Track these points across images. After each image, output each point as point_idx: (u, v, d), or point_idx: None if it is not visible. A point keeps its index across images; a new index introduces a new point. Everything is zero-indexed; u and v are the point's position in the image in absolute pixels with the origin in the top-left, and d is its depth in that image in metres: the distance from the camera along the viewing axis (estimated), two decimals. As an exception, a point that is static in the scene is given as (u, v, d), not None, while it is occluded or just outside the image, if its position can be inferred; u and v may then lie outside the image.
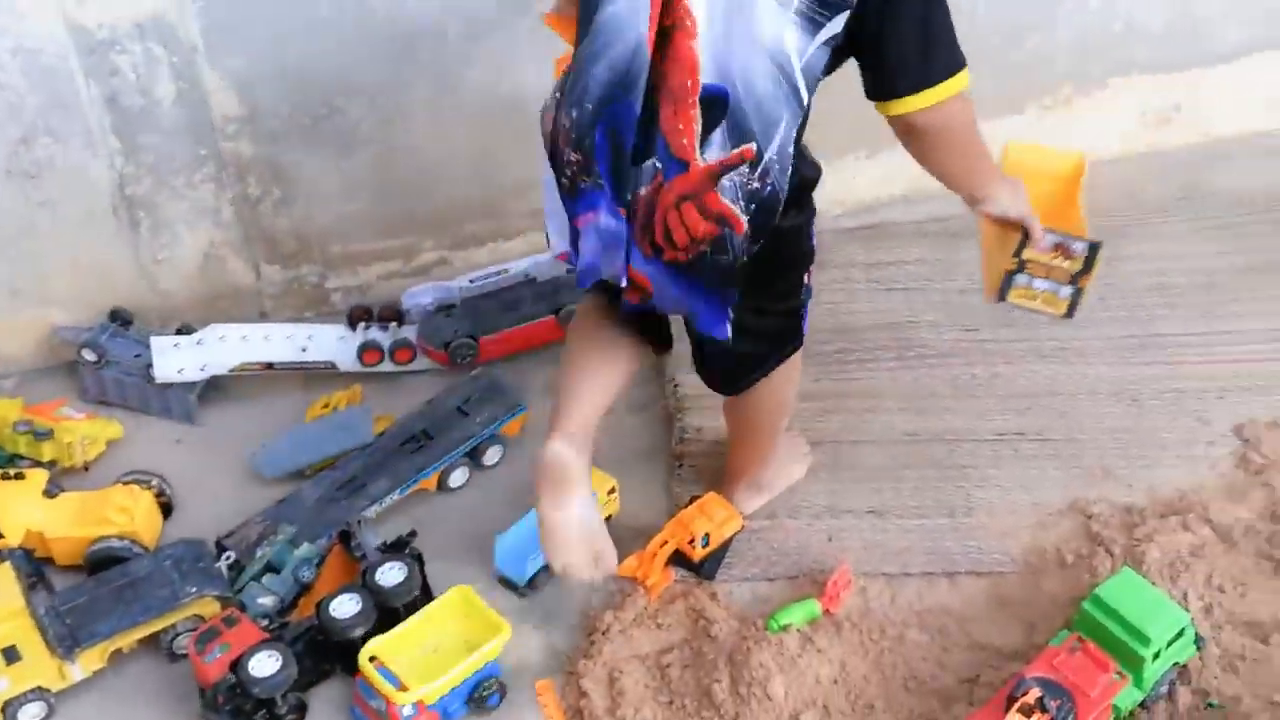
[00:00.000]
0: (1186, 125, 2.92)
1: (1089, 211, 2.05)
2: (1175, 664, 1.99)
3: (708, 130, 1.72)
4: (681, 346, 2.11)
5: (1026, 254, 1.98)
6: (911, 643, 2.12)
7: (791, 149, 1.74)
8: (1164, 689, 1.99)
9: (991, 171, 1.95)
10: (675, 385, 2.51)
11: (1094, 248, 1.97)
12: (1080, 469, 2.34)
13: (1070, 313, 2.01)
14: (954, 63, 1.80)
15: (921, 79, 1.79)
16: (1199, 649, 2.02)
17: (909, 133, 1.86)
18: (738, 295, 1.84)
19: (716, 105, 1.71)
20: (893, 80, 1.80)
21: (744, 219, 1.75)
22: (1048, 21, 2.71)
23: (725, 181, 1.73)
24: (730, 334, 1.87)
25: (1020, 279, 1.99)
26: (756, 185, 1.74)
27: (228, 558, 2.23)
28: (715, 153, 1.72)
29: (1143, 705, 1.97)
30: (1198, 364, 2.49)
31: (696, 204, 1.75)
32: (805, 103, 1.74)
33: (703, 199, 1.75)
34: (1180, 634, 1.96)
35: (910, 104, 1.81)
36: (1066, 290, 1.99)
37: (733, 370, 2.07)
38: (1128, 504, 2.27)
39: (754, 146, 1.72)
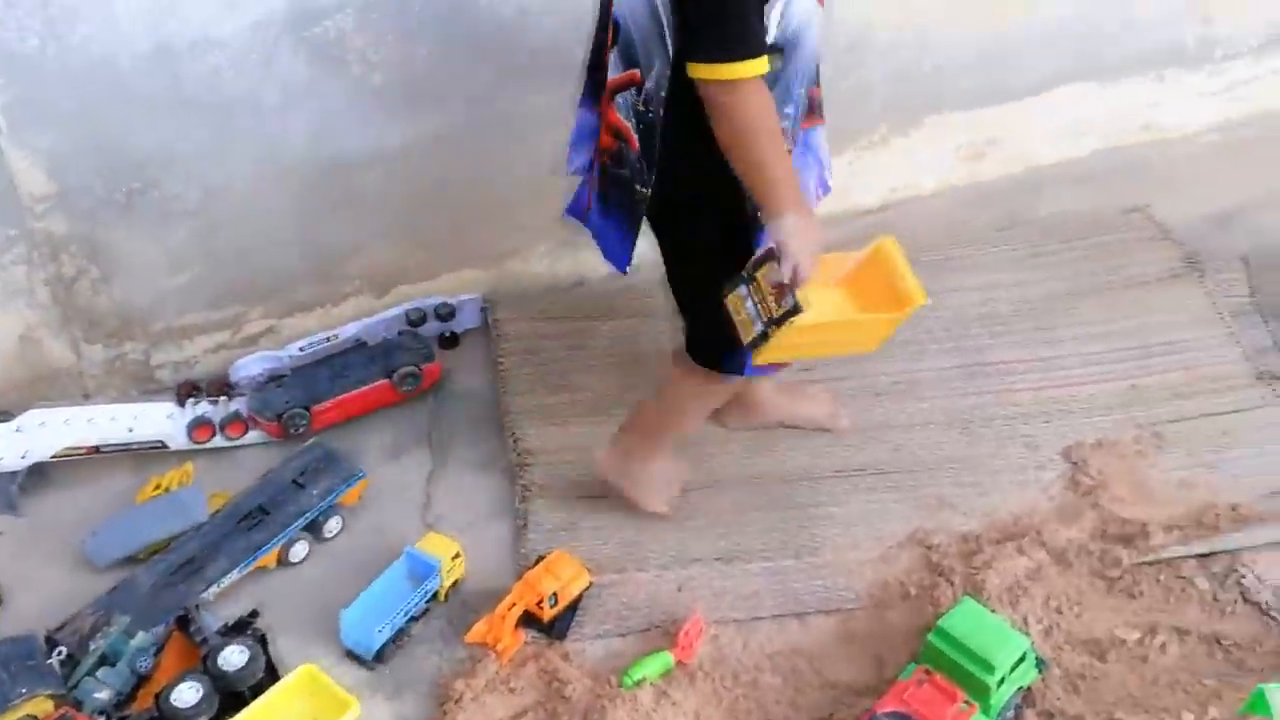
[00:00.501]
0: (1002, 157, 3.01)
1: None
2: (1020, 688, 2.04)
3: (611, 51, 1.94)
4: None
5: (759, 273, 1.90)
6: (765, 686, 2.12)
7: (665, 91, 1.88)
8: (1010, 714, 2.03)
9: (784, 197, 1.89)
10: (516, 440, 2.49)
11: (791, 311, 1.86)
12: (919, 500, 2.38)
13: (753, 344, 1.90)
14: (733, 48, 1.81)
15: (702, 49, 1.83)
16: (1041, 672, 2.07)
17: (707, 107, 1.87)
18: (636, 231, 2.01)
19: (615, 30, 1.93)
20: (687, 40, 1.85)
21: (635, 136, 1.91)
22: (860, 64, 2.77)
23: (619, 99, 1.94)
24: (626, 268, 2.05)
25: (742, 289, 1.91)
26: (642, 109, 1.91)
27: (59, 652, 2.14)
28: (612, 72, 1.93)
29: (992, 731, 2.01)
30: (1025, 390, 2.56)
31: (605, 119, 1.96)
32: (669, 50, 1.85)
33: (606, 113, 1.96)
34: (1022, 659, 2.00)
35: (695, 70, 1.84)
36: (759, 326, 1.89)
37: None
38: (965, 532, 2.32)
39: (638, 73, 1.90)
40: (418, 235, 2.68)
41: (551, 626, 2.18)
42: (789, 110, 1.98)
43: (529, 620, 2.18)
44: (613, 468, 2.34)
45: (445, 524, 2.38)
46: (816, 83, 2.07)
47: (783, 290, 1.87)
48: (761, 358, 1.94)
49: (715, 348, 2.10)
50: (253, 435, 2.52)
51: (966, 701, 1.97)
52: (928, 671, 2.00)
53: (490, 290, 2.76)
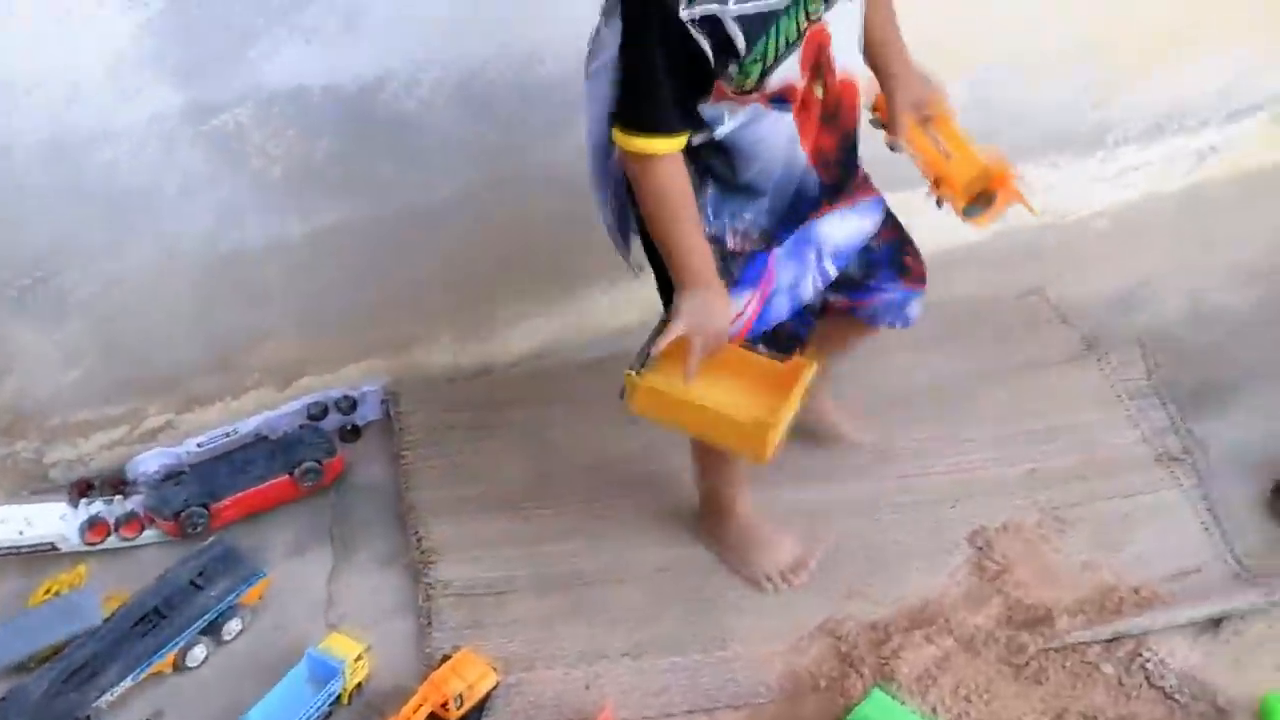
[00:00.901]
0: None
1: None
2: (931, 781, 2.03)
3: None
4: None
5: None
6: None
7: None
8: (922, 807, 2.02)
9: (684, 271, 1.94)
10: (419, 536, 2.45)
11: (633, 366, 1.95)
12: (828, 589, 2.38)
13: (621, 393, 1.96)
14: (641, 121, 1.88)
15: (619, 115, 1.91)
16: (952, 763, 2.07)
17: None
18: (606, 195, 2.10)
19: None
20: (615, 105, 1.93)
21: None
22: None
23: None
24: (604, 221, 2.15)
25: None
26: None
27: (-57, 769, 2.06)
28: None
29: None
30: (933, 474, 2.56)
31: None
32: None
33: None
34: (934, 751, 2.00)
35: (614, 135, 1.92)
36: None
37: None
38: (874, 620, 2.32)
39: None
40: (320, 327, 2.64)
41: (458, 727, 2.13)
42: (750, 215, 2.03)
43: (435, 721, 2.14)
44: (705, 536, 2.40)
45: (349, 622, 2.33)
46: (835, 169, 2.08)
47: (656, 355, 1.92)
48: (634, 407, 1.96)
49: None
50: (149, 534, 2.46)
51: (878, 795, 1.96)
52: (839, 766, 1.99)
53: (395, 380, 2.73)
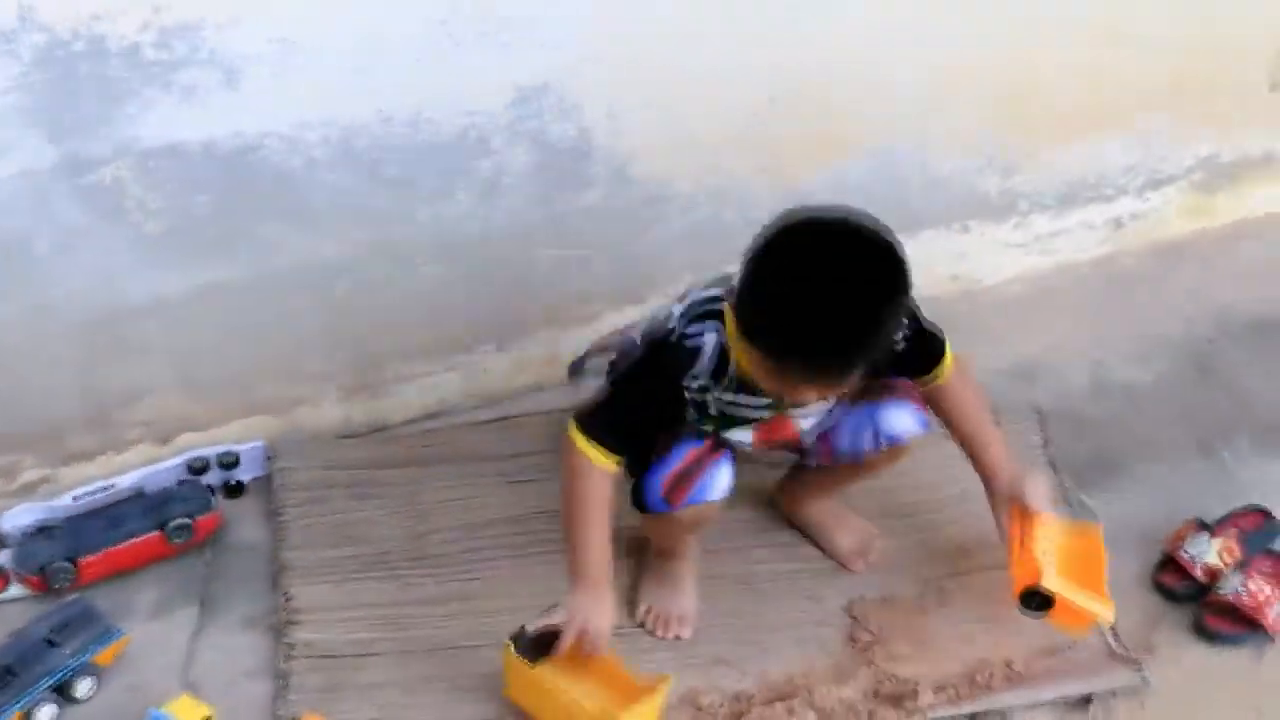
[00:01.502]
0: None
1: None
2: None
3: None
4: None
5: None
6: None
7: None
8: None
9: (574, 573, 2.17)
10: (287, 598, 2.42)
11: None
12: (696, 659, 2.34)
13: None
14: (593, 424, 2.14)
15: (583, 405, 2.21)
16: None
17: None
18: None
19: None
20: None
21: None
22: (663, 217, 2.79)
23: None
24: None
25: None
26: None
27: None
28: None
29: None
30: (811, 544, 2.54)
31: None
32: None
33: None
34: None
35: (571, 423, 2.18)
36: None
37: None
38: (738, 691, 2.28)
39: None
40: (203, 383, 2.63)
41: (300, 796, 2.10)
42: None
43: (277, 788, 2.10)
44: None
45: (205, 684, 2.30)
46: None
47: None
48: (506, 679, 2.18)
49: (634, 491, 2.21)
50: (14, 590, 2.43)
51: None
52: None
53: (281, 437, 2.71)
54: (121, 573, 2.47)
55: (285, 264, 2.54)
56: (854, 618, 2.40)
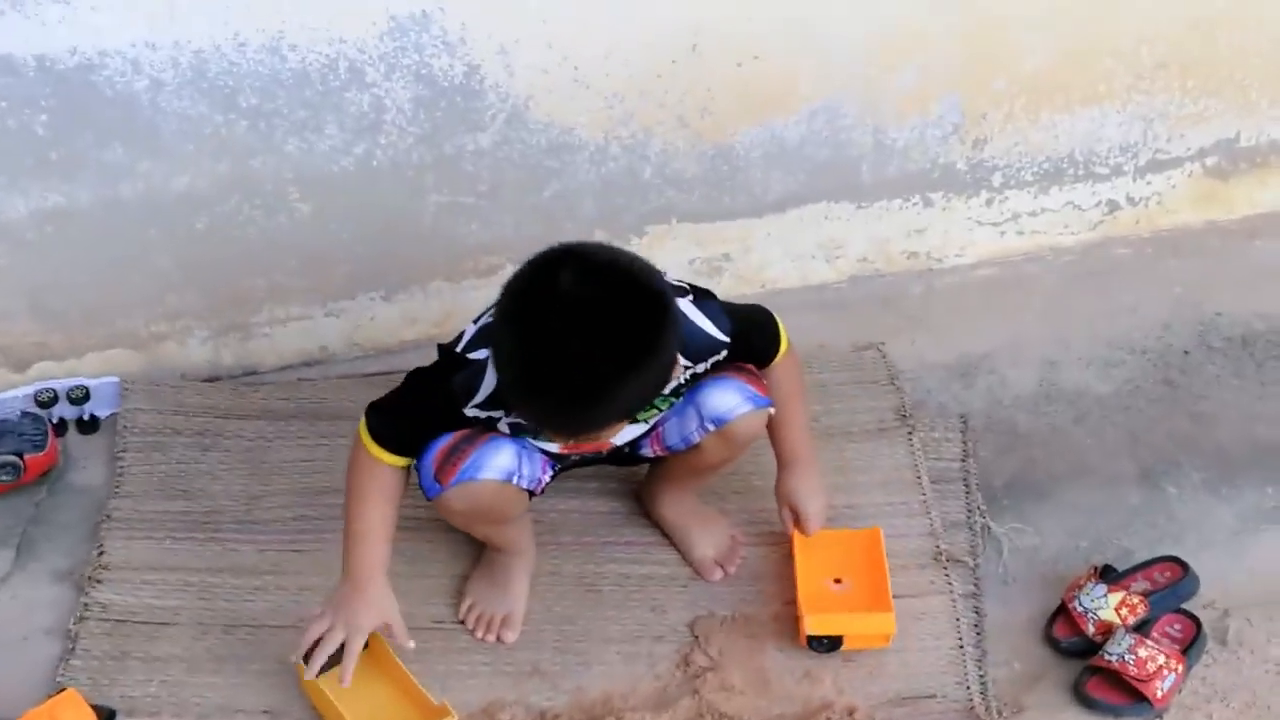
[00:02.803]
0: (739, 275, 2.76)
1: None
2: None
3: None
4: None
5: None
6: None
7: None
8: None
9: (345, 563, 2.02)
10: (100, 551, 2.28)
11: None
12: (512, 665, 2.15)
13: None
14: (379, 422, 1.99)
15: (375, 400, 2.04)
16: None
17: None
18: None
19: None
20: None
21: None
22: (567, 168, 2.54)
23: None
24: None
25: None
26: None
27: None
28: None
29: None
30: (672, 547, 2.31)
31: None
32: None
33: None
34: None
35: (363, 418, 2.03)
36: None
37: None
38: (544, 709, 2.08)
39: None
40: (56, 312, 2.48)
41: (44, 775, 1.97)
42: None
43: (26, 764, 1.98)
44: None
45: (-3, 637, 2.18)
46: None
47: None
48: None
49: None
50: None
51: None
52: None
53: (141, 374, 2.56)
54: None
55: (134, 194, 2.37)
56: (695, 636, 2.18)
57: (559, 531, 2.32)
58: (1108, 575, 2.17)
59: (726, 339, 1.99)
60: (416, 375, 2.00)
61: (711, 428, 2.05)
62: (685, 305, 1.96)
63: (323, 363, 2.65)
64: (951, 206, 2.79)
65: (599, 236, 2.65)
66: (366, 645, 2.00)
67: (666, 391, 1.95)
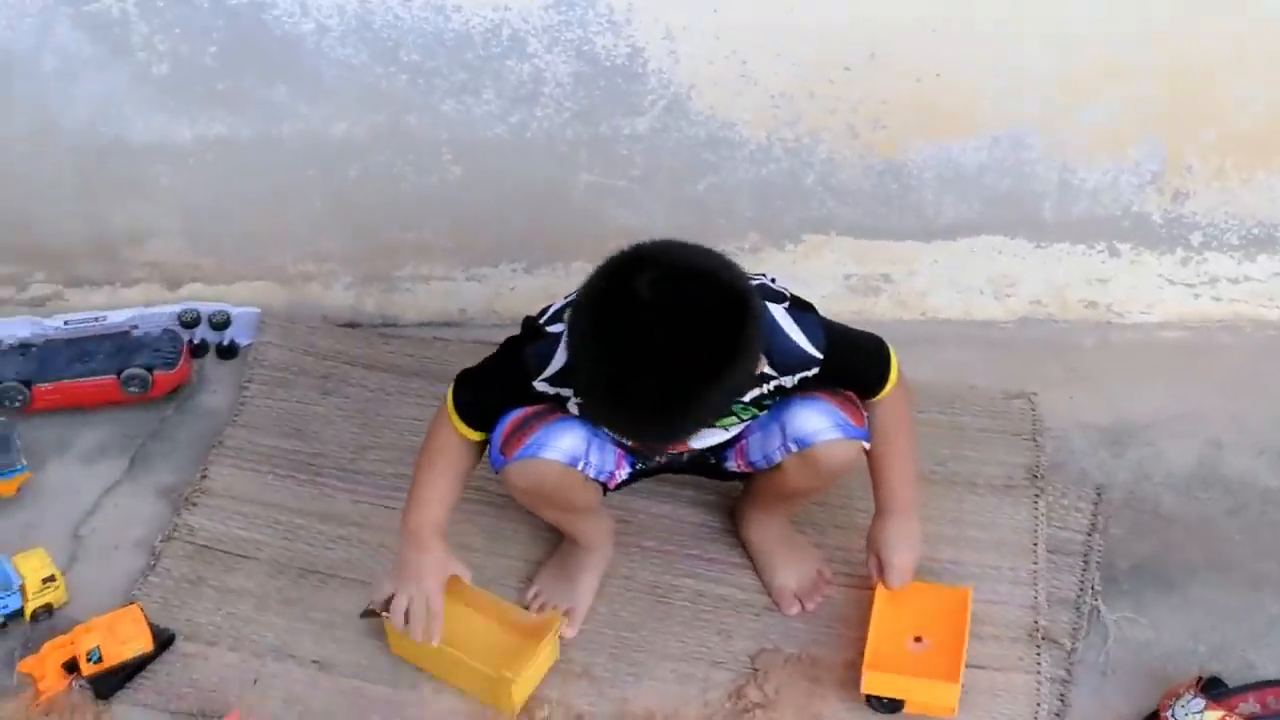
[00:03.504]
0: (898, 299, 2.62)
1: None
2: None
3: None
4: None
5: None
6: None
7: None
8: None
9: (407, 510, 1.99)
10: (204, 475, 2.34)
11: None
12: (565, 663, 2.09)
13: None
14: (459, 394, 1.97)
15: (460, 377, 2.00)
16: None
17: None
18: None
19: None
20: None
21: None
22: (727, 163, 2.46)
23: None
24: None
25: None
26: None
27: None
28: None
29: None
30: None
31: None
32: None
33: None
34: None
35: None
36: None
37: None
38: (583, 712, 2.02)
39: None
40: (209, 237, 2.56)
41: (95, 681, 2.03)
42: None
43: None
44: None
45: (91, 542, 2.26)
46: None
47: None
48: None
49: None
50: (-26, 400, 2.47)
51: None
52: None
53: (285, 310, 2.61)
54: (76, 408, 2.45)
55: (293, 133, 2.41)
56: (755, 669, 2.08)
57: (643, 535, 2.25)
58: (1212, 689, 1.96)
59: (819, 355, 1.87)
60: (502, 345, 1.95)
61: (794, 448, 1.93)
62: (779, 312, 1.86)
63: (460, 325, 2.65)
64: (1141, 260, 2.57)
65: (753, 238, 2.57)
66: None
67: (748, 400, 1.86)
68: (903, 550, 2.04)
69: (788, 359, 1.87)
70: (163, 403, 2.49)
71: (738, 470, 2.07)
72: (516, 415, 1.91)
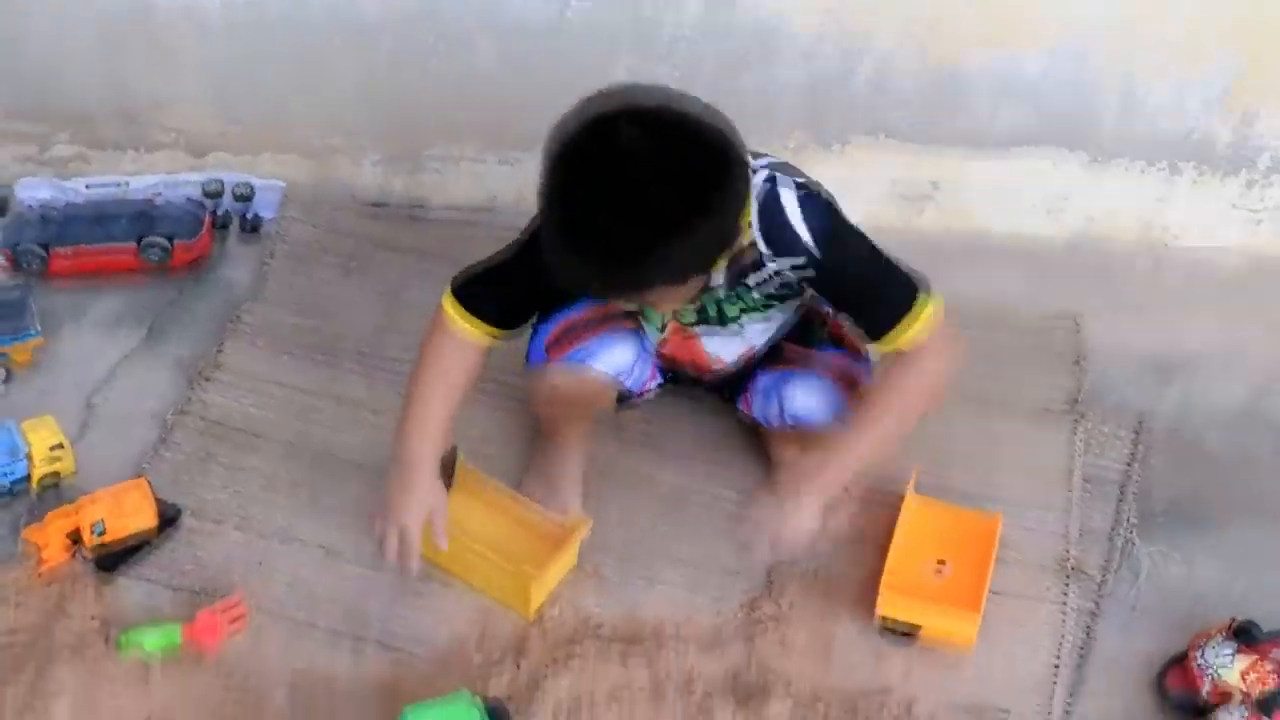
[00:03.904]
0: (945, 208, 2.52)
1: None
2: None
3: None
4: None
5: None
6: (271, 710, 1.87)
7: None
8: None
9: (397, 441, 1.93)
10: (219, 351, 2.29)
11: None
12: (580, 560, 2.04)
13: None
14: (459, 284, 1.93)
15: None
16: None
17: None
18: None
19: None
20: None
21: None
22: (775, 56, 2.35)
23: None
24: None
25: None
26: None
27: None
28: None
29: None
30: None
31: None
32: None
33: None
34: None
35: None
36: None
37: None
38: (590, 614, 1.97)
39: None
40: (236, 105, 2.49)
41: (99, 555, 2.00)
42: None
43: (88, 539, 2.01)
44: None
45: (103, 410, 2.22)
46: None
47: None
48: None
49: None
50: (-9, 262, 2.42)
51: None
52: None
53: (312, 185, 2.54)
54: (95, 274, 2.40)
55: (322, 5, 2.32)
56: (771, 581, 2.02)
57: (666, 440, 2.18)
58: (1245, 634, 1.89)
59: (813, 246, 1.76)
60: (522, 238, 1.88)
61: (789, 423, 1.96)
62: (784, 191, 1.77)
63: (490, 211, 2.57)
64: (1203, 182, 2.46)
65: (798, 137, 2.47)
66: (452, 482, 1.98)
67: (751, 284, 1.80)
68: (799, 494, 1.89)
69: (781, 237, 1.77)
70: (182, 275, 2.42)
71: (747, 415, 2.02)
72: (570, 317, 1.87)
